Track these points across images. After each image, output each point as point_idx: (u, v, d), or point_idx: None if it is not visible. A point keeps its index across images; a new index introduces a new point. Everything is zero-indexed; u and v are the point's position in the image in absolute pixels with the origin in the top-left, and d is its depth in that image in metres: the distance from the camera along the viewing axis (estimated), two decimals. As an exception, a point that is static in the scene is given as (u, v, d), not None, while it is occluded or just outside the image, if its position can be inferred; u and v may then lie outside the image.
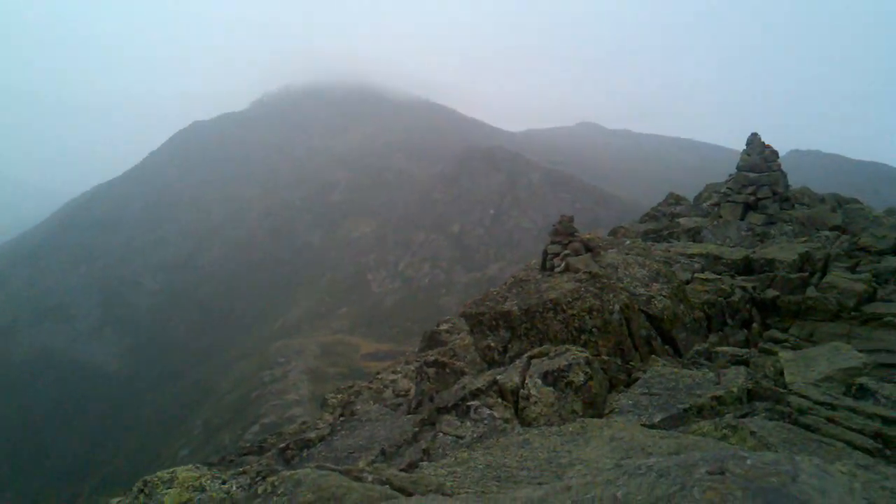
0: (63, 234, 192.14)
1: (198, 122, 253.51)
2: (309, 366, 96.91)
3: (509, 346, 15.14)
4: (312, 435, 13.84)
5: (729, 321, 18.38)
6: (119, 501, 6.01)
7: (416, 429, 11.88)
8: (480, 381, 12.15)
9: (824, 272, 21.94)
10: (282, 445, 13.96)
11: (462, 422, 11.27)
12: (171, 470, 6.43)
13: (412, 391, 18.16)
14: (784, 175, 35.25)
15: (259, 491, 5.85)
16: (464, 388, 12.29)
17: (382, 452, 11.44)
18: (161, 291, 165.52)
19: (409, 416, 13.50)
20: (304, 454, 13.14)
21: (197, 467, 6.53)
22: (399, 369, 23.27)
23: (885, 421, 9.53)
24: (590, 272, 16.19)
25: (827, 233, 29.40)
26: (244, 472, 6.21)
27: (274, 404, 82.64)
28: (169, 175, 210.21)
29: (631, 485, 4.05)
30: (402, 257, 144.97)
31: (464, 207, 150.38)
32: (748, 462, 4.56)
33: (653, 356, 14.57)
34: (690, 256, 22.66)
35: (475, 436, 10.66)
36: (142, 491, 6.03)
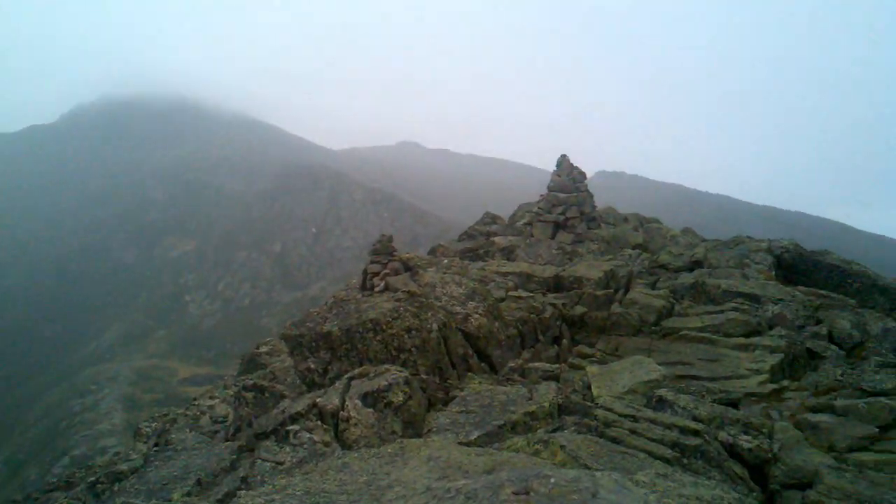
0: None
1: (1, 134, 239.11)
2: (123, 393, 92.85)
3: (330, 367, 15.14)
4: (125, 467, 13.36)
5: (541, 337, 19.07)
6: None
7: (234, 456, 11.70)
8: (300, 405, 12.12)
9: (627, 289, 23.18)
10: (91, 479, 13.38)
11: (281, 447, 11.19)
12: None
13: (230, 417, 17.82)
14: (591, 196, 37.12)
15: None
16: (283, 412, 12.22)
17: (198, 482, 11.19)
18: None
19: (227, 443, 13.27)
20: (116, 488, 12.65)
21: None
22: (217, 394, 22.73)
23: (682, 430, 10.19)
24: (409, 291, 16.45)
25: (630, 251, 31.11)
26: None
27: (84, 435, 78.57)
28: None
29: (439, 508, 4.20)
30: (222, 277, 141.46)
31: (285, 226, 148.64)
32: (552, 481, 4.82)
33: (470, 374, 14.96)
34: (504, 275, 23.31)
35: (295, 461, 10.62)
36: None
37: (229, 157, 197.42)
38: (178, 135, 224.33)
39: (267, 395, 15.28)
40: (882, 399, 13.03)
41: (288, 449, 11.06)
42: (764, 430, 11.36)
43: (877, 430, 12.34)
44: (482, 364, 16.31)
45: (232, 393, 20.36)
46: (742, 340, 18.30)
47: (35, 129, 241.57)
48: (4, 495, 65.96)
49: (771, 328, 19.71)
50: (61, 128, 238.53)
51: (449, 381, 14.34)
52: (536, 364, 16.03)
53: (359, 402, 11.67)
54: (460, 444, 9.92)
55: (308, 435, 11.26)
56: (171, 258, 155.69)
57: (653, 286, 24.18)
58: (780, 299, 22.40)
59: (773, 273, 28.43)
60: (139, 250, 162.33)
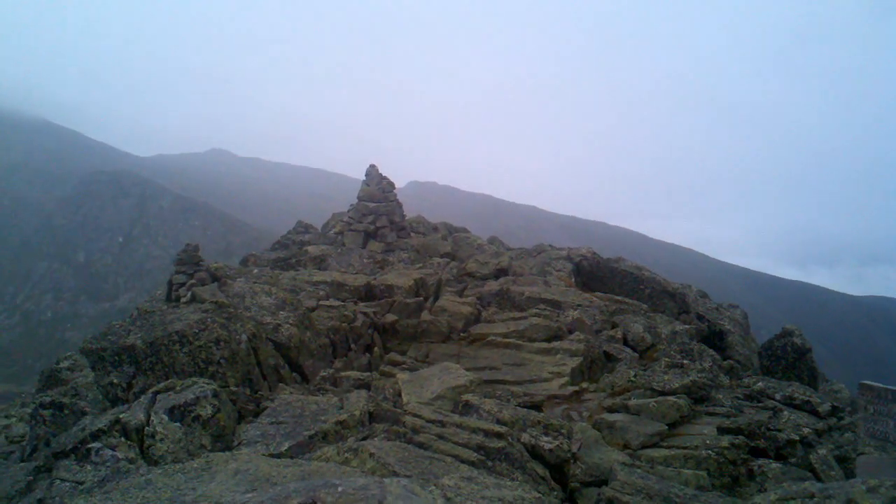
0: None
1: None
2: None
3: (134, 381, 14.68)
4: None
5: (353, 346, 19.24)
6: None
7: (30, 477, 11.20)
8: (102, 421, 11.71)
9: (437, 296, 23.76)
10: None
11: (82, 466, 10.79)
12: None
13: (27, 436, 16.95)
14: (400, 205, 37.74)
15: None
16: (83, 429, 11.76)
17: (-9, 506, 10.64)
18: None
19: (23, 463, 12.64)
20: None
21: None
22: (13, 413, 21.55)
23: (487, 434, 10.59)
24: (216, 302, 16.18)
25: (439, 259, 31.85)
26: None
27: None
28: None
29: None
30: (22, 289, 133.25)
31: (90, 234, 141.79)
32: (339, 489, 4.95)
33: (281, 384, 14.90)
34: (316, 284, 23.32)
35: (96, 480, 10.25)
36: None
37: (27, 162, 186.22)
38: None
39: (67, 412, 14.63)
40: (670, 398, 14.00)
41: (89, 467, 10.66)
42: (563, 431, 11.96)
43: (666, 427, 13.26)
44: (294, 374, 16.28)
45: (29, 411, 19.34)
46: (544, 345, 19.16)
47: None
48: None
49: (571, 333, 20.71)
50: None
51: (260, 392, 14.24)
52: (348, 373, 16.15)
53: (165, 417, 11.40)
54: (270, 455, 9.92)
55: (111, 452, 10.89)
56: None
57: (461, 294, 24.89)
58: (580, 305, 23.60)
59: (573, 280, 29.88)
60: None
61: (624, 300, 26.61)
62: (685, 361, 17.42)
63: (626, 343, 21.85)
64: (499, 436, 10.54)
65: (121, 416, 11.71)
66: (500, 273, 27.81)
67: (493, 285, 25.40)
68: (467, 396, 12.63)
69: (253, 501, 4.66)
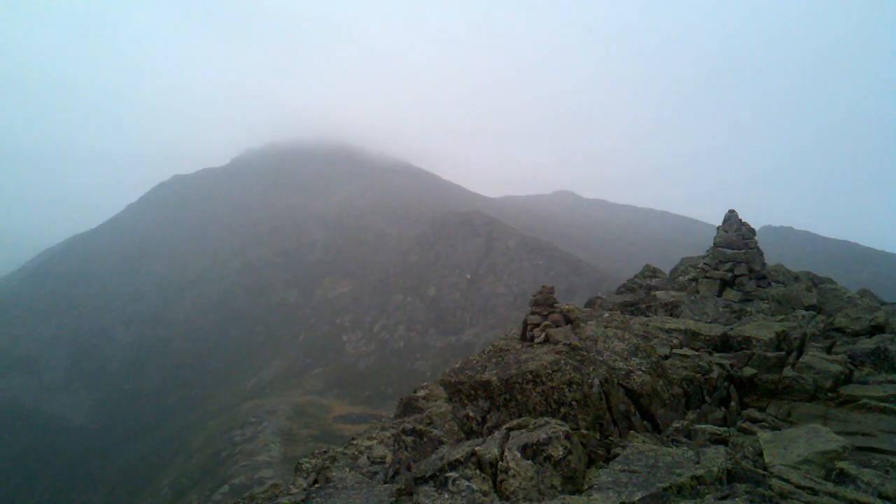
0: (35, 284, 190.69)
1: (178, 175, 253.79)
2: (280, 427, 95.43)
3: (488, 416, 15.04)
4: (285, 501, 13.60)
5: (707, 398, 18.35)
6: None
7: (394, 499, 11.74)
8: (459, 452, 12.05)
9: (801, 352, 22.03)
10: (254, 510, 13.71)
11: (440, 493, 11.16)
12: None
13: (388, 459, 17.96)
14: (760, 253, 35.68)
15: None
16: (442, 458, 12.18)
17: (359, 523, 11.27)
18: (133, 344, 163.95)
19: (386, 485, 13.33)
20: (278, 521, 12.90)
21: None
22: (375, 435, 22.94)
23: (866, 508, 9.52)
24: (570, 344, 16.17)
25: (803, 312, 29.56)
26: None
27: (244, 465, 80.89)
28: (147, 227, 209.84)
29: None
30: (378, 319, 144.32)
31: (441, 271, 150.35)
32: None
33: (632, 432, 14.50)
34: (668, 331, 22.65)
35: (453, 508, 10.55)
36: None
37: (387, 202, 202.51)
38: (338, 180, 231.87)
39: (425, 439, 15.28)
40: None
41: (447, 496, 11.01)
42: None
43: None
44: (645, 422, 15.81)
45: (390, 435, 20.54)
46: (929, 414, 17.04)
47: (208, 171, 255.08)
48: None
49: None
50: (230, 171, 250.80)
51: (610, 437, 13.95)
52: (703, 426, 15.38)
53: (518, 454, 11.51)
54: (623, 503, 9.63)
55: (466, 483, 11.18)
56: (329, 298, 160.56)
57: (828, 350, 22.90)
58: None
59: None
60: (299, 290, 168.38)
61: None
62: None
63: None
64: (880, 512, 9.45)
65: (476, 448, 11.99)
66: (875, 330, 25.33)
67: (866, 342, 23.12)
68: (841, 464, 11.48)
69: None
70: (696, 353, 20.65)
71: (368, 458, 19.44)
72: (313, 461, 19.70)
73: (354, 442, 21.74)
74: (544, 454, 11.41)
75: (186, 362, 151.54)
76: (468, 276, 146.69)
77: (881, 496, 10.20)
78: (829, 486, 10.29)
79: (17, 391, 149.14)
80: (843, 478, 11.01)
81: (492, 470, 11.53)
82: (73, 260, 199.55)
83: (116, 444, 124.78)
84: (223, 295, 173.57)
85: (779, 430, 14.89)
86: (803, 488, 10.07)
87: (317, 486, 15.31)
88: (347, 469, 16.88)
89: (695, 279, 35.06)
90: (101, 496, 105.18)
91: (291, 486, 17.66)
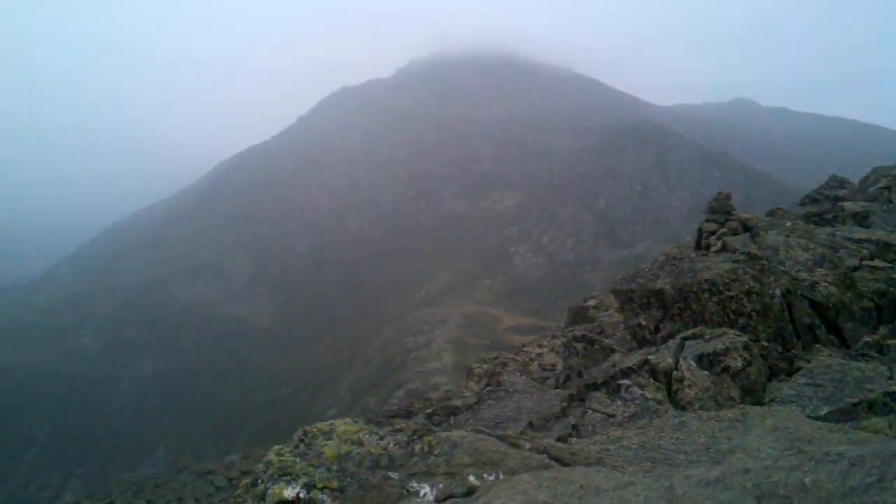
0: (215, 194, 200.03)
1: (346, 87, 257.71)
2: (452, 335, 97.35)
3: (661, 325, 14.80)
4: (459, 403, 13.99)
5: (901, 312, 17.34)
6: (280, 449, 6.08)
7: (565, 404, 11.82)
8: (631, 360, 11.95)
9: None
10: (428, 411, 14.16)
11: (612, 400, 11.13)
12: (330, 422, 6.48)
13: (559, 366, 18.07)
14: (967, 159, 33.04)
15: (416, 449, 5.88)
16: (614, 365, 12.12)
17: (530, 424, 11.44)
18: (310, 252, 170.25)
19: (557, 390, 13.45)
20: (451, 421, 13.28)
21: (355, 421, 6.55)
22: (545, 343, 23.13)
23: None
24: (748, 253, 15.60)
25: None
26: (401, 430, 6.19)
27: (418, 371, 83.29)
28: (318, 138, 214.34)
29: (820, 472, 3.82)
30: (546, 231, 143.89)
31: (610, 183, 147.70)
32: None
33: (816, 345, 13.93)
34: (858, 241, 21.37)
35: (626, 415, 10.51)
36: (302, 440, 6.09)
37: (555, 112, 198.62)
38: (503, 90, 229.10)
39: (596, 347, 15.29)
40: None
41: (619, 402, 10.97)
42: None
43: None
44: (831, 336, 15.13)
45: (560, 343, 20.64)
46: None
47: (374, 83, 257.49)
48: (349, 415, 71.63)
49: None
50: (396, 82, 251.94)
51: (793, 350, 13.46)
52: (896, 340, 14.61)
53: (693, 364, 11.27)
54: (808, 417, 9.30)
55: (640, 391, 11.08)
56: (497, 210, 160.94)
57: None
58: None
59: None
60: (467, 201, 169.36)
61: None
62: None
63: None
64: None
65: (649, 357, 11.84)
66: None
67: None
68: None
69: (851, 453, 4.13)
70: (890, 265, 19.47)
71: (539, 364, 19.67)
72: (485, 366, 20.15)
73: (525, 349, 22.03)
74: (722, 364, 11.12)
75: (360, 271, 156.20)
76: (639, 189, 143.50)
77: None
78: None
79: (205, 295, 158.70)
80: None
81: (666, 379, 11.35)
82: (249, 171, 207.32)
83: (298, 347, 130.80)
84: (393, 205, 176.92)
85: None
86: None
87: (488, 389, 15.64)
88: (518, 374, 17.16)
89: (888, 188, 32.86)
90: (286, 396, 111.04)
91: (464, 390, 18.14)
